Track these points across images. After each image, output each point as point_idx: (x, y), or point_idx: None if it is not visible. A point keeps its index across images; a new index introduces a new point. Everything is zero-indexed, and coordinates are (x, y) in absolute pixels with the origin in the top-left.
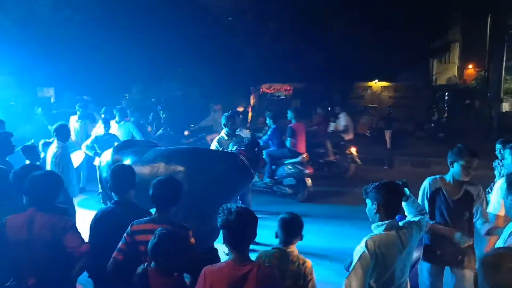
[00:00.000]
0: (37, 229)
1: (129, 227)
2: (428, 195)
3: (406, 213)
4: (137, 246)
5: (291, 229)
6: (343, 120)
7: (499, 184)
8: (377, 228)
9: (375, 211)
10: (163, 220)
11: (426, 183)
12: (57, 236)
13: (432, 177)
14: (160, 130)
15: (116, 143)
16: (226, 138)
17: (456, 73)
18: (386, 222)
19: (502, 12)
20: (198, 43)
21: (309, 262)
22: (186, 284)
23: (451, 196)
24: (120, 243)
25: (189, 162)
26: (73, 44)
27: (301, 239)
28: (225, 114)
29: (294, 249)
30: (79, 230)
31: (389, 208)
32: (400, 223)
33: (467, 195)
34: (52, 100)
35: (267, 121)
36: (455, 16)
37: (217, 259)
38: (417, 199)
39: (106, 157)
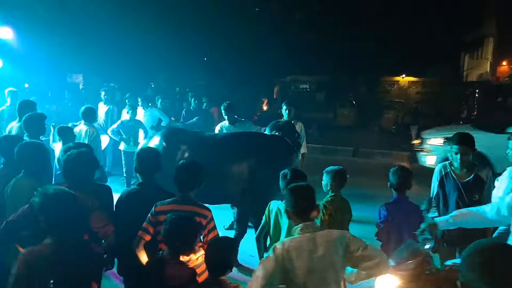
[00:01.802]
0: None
1: (153, 208)
2: (438, 179)
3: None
4: (160, 226)
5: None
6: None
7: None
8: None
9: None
10: (186, 201)
11: (437, 169)
12: (84, 215)
13: (443, 163)
14: (194, 119)
15: (141, 129)
16: (228, 125)
17: (488, 70)
18: (299, 225)
19: None
20: (223, 33)
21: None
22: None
23: (460, 179)
24: (145, 223)
25: (260, 147)
26: (102, 32)
27: (231, 270)
28: (224, 104)
29: (224, 278)
30: (110, 211)
31: (298, 210)
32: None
33: (478, 178)
34: (81, 86)
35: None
36: (491, 9)
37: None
38: None
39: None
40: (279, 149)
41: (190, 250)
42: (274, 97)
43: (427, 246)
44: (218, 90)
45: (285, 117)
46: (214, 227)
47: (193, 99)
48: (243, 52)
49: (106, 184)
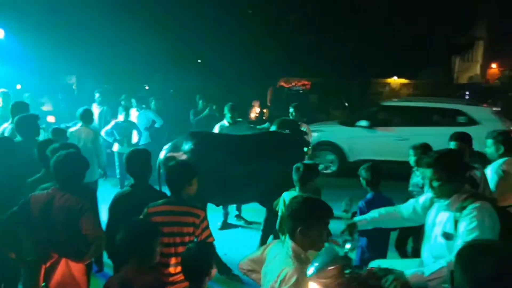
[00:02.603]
0: (55, 209)
1: (145, 209)
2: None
3: None
4: None
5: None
6: None
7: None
8: None
9: None
10: (179, 201)
11: None
12: (74, 217)
13: None
14: None
15: (134, 131)
16: (227, 125)
17: (478, 72)
18: None
19: None
20: (217, 35)
21: None
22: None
23: None
24: None
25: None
26: (95, 33)
27: (209, 278)
28: (227, 104)
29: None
30: (97, 213)
31: None
32: None
33: (470, 178)
34: (74, 87)
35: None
36: (481, 12)
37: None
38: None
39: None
40: (297, 147)
41: (153, 260)
42: (268, 98)
43: (347, 247)
44: (212, 91)
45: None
46: (207, 226)
47: (201, 101)
48: (237, 53)
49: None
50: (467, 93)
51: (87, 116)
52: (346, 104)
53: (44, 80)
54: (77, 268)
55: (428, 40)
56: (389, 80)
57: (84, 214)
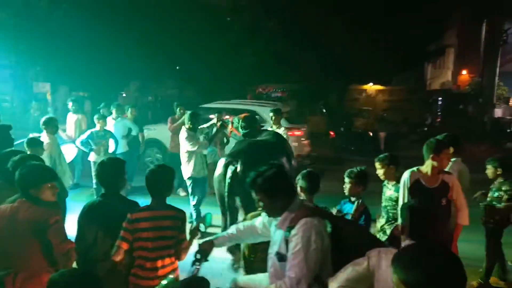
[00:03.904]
0: (21, 221)
1: (128, 216)
2: (408, 186)
3: None
4: (139, 233)
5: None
6: None
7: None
8: None
9: None
10: (159, 206)
11: (406, 176)
12: (41, 230)
13: (410, 170)
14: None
15: (111, 139)
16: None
17: (450, 78)
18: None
19: (497, 18)
20: (195, 41)
21: None
22: None
23: (429, 185)
24: (122, 231)
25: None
26: (70, 40)
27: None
28: (188, 112)
29: None
30: (65, 225)
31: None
32: None
33: (444, 184)
34: (48, 95)
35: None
36: (452, 21)
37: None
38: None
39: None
40: None
41: None
42: None
43: (196, 267)
44: (191, 98)
45: (271, 123)
46: (185, 229)
47: (178, 108)
48: (215, 60)
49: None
50: (440, 98)
51: (50, 125)
52: (324, 110)
53: (17, 88)
54: None
55: (401, 48)
56: (365, 87)
57: (51, 227)
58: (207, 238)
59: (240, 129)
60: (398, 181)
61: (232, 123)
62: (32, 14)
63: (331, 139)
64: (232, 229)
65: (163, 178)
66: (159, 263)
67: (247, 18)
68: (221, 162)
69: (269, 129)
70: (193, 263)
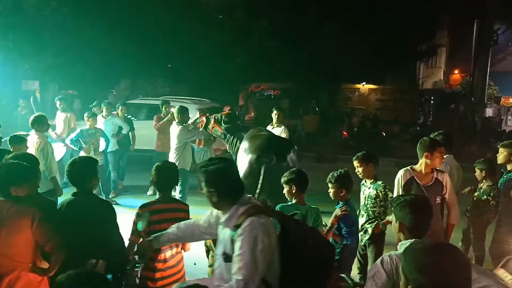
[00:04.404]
0: (6, 220)
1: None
2: (402, 184)
3: None
4: (152, 226)
5: None
6: None
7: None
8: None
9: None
10: (168, 200)
11: (399, 175)
12: (25, 228)
13: (404, 169)
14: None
15: (101, 138)
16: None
17: (442, 78)
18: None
19: (488, 18)
20: (187, 39)
21: None
22: None
23: (423, 183)
24: (133, 226)
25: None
26: (59, 37)
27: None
28: (178, 107)
29: None
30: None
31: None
32: None
33: (437, 182)
34: (37, 93)
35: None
36: (443, 20)
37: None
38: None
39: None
40: None
41: None
42: (240, 104)
43: (129, 271)
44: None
45: (274, 121)
46: None
47: (163, 106)
48: (207, 58)
49: (61, 195)
50: (432, 98)
51: (39, 123)
52: (317, 109)
53: (6, 86)
54: (43, 283)
55: (393, 47)
56: (358, 86)
57: (35, 224)
58: (147, 238)
59: (222, 125)
60: (376, 179)
61: (215, 119)
62: (21, 11)
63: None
64: (173, 228)
65: (170, 174)
66: (168, 254)
67: (239, 16)
68: (244, 159)
69: (269, 126)
70: (132, 265)
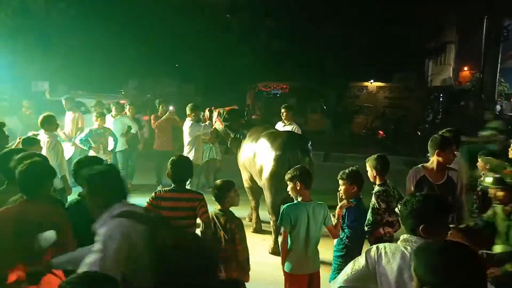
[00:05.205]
0: (28, 222)
1: (153, 194)
2: (414, 183)
3: None
4: (160, 211)
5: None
6: None
7: None
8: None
9: None
10: (182, 190)
11: (411, 173)
12: (47, 230)
13: (415, 167)
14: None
15: (110, 137)
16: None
17: (451, 75)
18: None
19: (498, 14)
20: (194, 40)
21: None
22: None
23: (435, 181)
24: (146, 204)
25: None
26: (68, 38)
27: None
28: (189, 105)
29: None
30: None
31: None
32: None
33: (450, 180)
34: (47, 94)
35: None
36: (452, 17)
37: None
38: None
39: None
40: None
41: None
42: (247, 103)
43: None
44: (189, 96)
45: (283, 119)
46: (207, 210)
47: (160, 105)
48: (214, 58)
49: (70, 194)
50: (441, 95)
51: (48, 123)
52: (325, 108)
53: (16, 87)
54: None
55: (402, 45)
56: (366, 84)
57: (59, 226)
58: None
59: (223, 121)
60: (383, 184)
61: (218, 113)
62: (29, 14)
63: (379, 138)
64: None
65: (184, 167)
66: None
67: (246, 16)
68: (269, 156)
69: (280, 124)
70: None
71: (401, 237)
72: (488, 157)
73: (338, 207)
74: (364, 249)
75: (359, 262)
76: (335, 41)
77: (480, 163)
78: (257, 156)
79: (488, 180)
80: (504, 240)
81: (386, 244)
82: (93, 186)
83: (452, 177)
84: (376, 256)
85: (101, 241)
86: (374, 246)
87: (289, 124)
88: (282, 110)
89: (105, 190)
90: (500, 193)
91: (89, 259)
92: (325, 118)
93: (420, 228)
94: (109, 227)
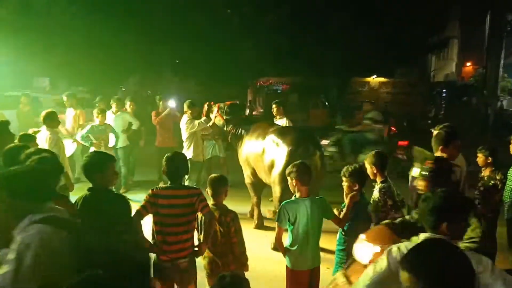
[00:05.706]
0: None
1: (150, 192)
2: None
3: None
4: (157, 208)
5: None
6: None
7: None
8: None
9: None
10: (179, 187)
11: (415, 170)
12: None
13: (415, 168)
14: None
15: (111, 133)
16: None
17: (454, 70)
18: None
19: (501, 9)
20: (195, 35)
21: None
22: None
23: None
24: (144, 201)
25: None
26: (69, 35)
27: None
28: (186, 101)
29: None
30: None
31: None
32: None
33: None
34: (47, 90)
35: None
36: (454, 12)
37: None
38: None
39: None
40: None
41: None
42: (249, 99)
43: None
44: (191, 91)
45: (274, 114)
46: (207, 204)
47: (161, 102)
48: (215, 54)
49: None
50: (444, 90)
51: (50, 119)
52: (326, 103)
53: (17, 83)
54: None
55: (404, 40)
56: (368, 79)
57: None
58: None
59: (224, 115)
60: (385, 181)
61: (219, 108)
62: (31, 10)
63: (392, 134)
64: None
65: (179, 163)
66: (177, 238)
67: (247, 11)
68: (282, 151)
69: (278, 120)
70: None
71: (421, 236)
72: (420, 148)
73: (347, 199)
74: None
75: (380, 264)
76: (337, 36)
77: (480, 157)
78: (266, 152)
79: (415, 171)
80: None
81: (407, 243)
82: (12, 188)
83: (456, 173)
84: (398, 256)
85: (15, 250)
86: (395, 246)
87: (280, 118)
88: (273, 106)
89: (26, 193)
90: (421, 183)
91: (1, 270)
92: (334, 112)
93: (444, 225)
94: (27, 235)
